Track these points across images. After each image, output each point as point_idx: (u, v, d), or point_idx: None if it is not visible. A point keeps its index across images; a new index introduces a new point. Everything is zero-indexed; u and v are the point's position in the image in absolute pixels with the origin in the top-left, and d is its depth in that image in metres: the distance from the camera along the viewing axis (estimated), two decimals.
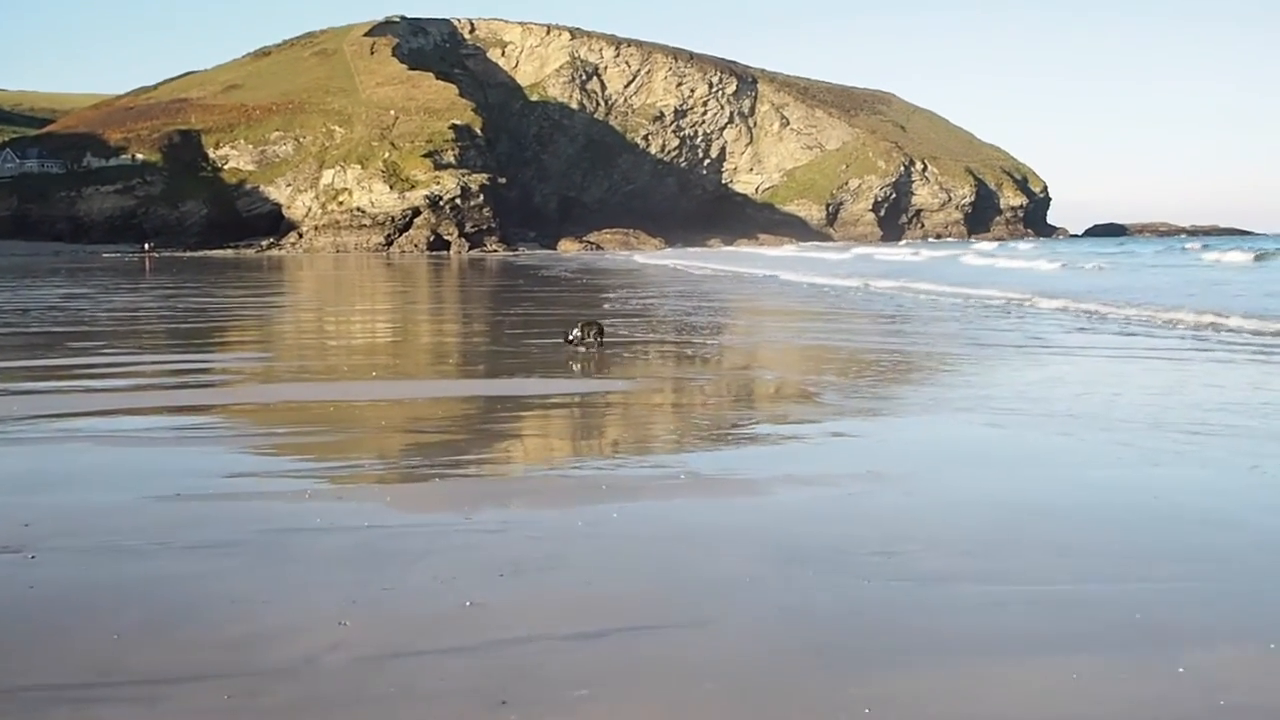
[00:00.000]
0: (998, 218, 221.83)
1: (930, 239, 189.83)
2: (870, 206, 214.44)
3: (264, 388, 14.51)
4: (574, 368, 16.63)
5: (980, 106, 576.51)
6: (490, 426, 11.83)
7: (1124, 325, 23.23)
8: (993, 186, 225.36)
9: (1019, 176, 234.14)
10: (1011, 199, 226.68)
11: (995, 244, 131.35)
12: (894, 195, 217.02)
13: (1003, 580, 6.18)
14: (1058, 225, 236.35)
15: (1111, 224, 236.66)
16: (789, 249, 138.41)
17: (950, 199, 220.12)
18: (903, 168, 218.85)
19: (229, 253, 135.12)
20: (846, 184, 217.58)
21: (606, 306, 31.73)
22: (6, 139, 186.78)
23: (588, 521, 7.51)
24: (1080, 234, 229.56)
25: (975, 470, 9.35)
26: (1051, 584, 6.11)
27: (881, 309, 30.44)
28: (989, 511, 7.87)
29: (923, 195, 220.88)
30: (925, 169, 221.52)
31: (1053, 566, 6.46)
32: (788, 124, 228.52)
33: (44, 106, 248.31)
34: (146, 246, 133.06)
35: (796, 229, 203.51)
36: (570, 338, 18.44)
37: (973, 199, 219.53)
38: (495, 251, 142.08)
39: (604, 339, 18.54)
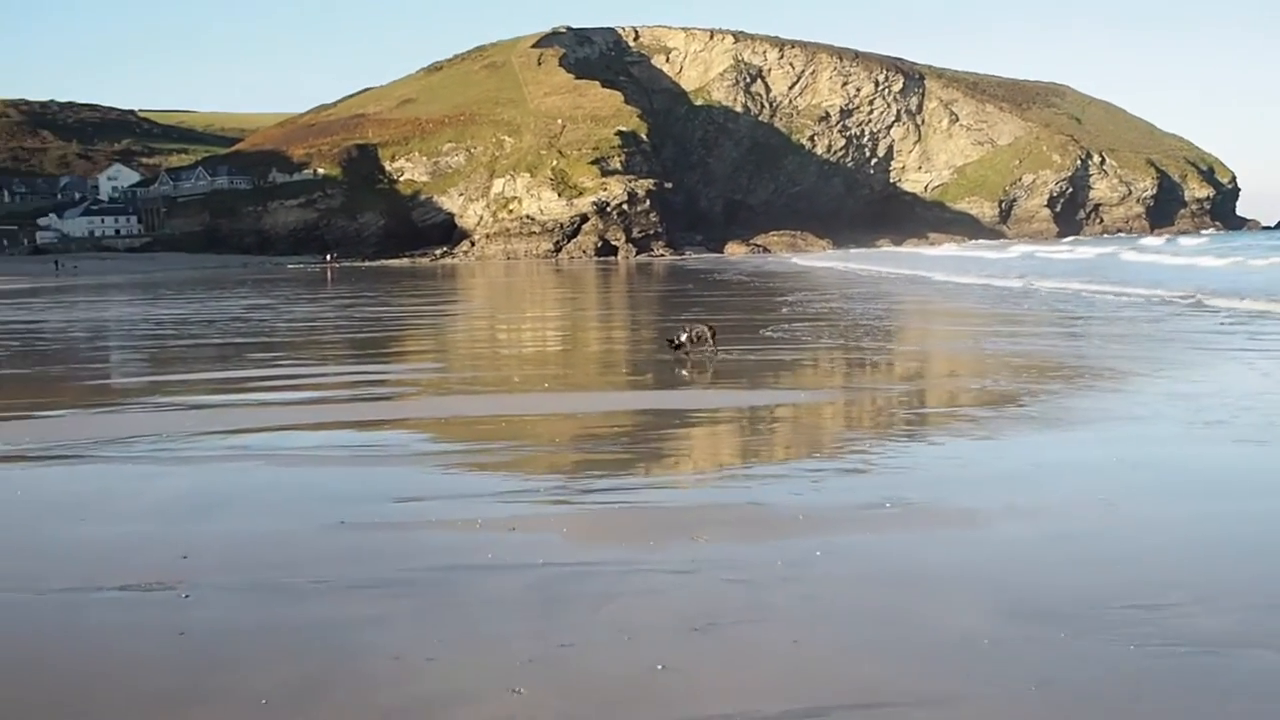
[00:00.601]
0: (1182, 210, 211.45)
1: (1109, 234, 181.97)
2: (1045, 202, 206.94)
3: (436, 401, 14.10)
4: (750, 379, 15.79)
5: (1161, 95, 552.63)
6: (668, 444, 11.03)
7: None
8: (1175, 178, 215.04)
9: (1204, 167, 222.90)
10: (1196, 190, 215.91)
11: (1163, 239, 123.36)
12: (1070, 190, 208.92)
13: None
14: (1249, 217, 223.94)
15: None
16: (950, 248, 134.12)
17: (1130, 192, 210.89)
18: (1079, 161, 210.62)
19: (405, 261, 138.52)
20: (1020, 180, 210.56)
21: (785, 310, 30.73)
22: (198, 158, 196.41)
23: (788, 561, 6.66)
24: (1275, 225, 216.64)
25: (1229, 502, 8.14)
26: None
27: (1059, 310, 28.55)
28: (1267, 555, 6.71)
29: (1101, 189, 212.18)
30: (1103, 162, 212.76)
31: None
32: (957, 120, 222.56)
33: (233, 126, 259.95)
34: (330, 257, 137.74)
35: (967, 227, 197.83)
36: (677, 341, 17.42)
37: (1154, 192, 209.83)
38: (662, 256, 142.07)
39: (716, 342, 17.61)
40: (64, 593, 6.26)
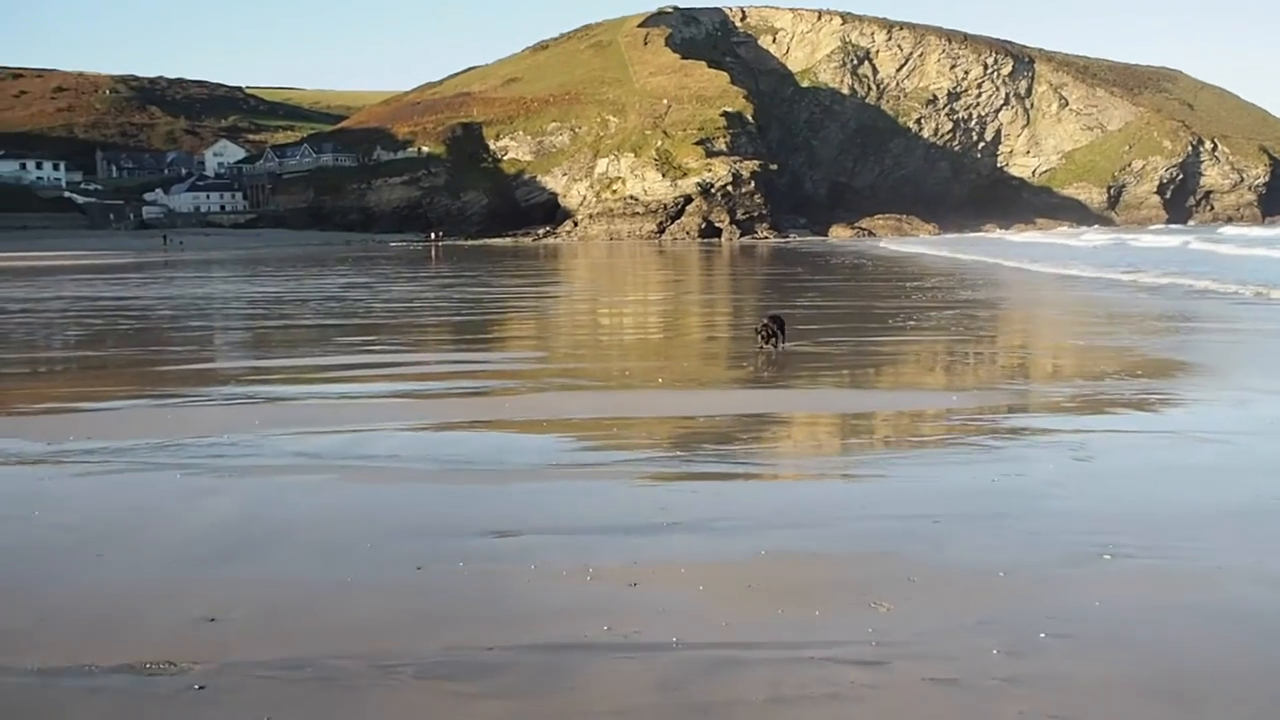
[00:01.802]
0: None
1: (1219, 221, 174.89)
2: (1155, 189, 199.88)
3: (535, 399, 12.41)
4: (890, 373, 13.93)
5: (1275, 81, 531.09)
6: (815, 463, 9.19)
7: None
8: None
9: None
10: None
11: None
12: (1180, 176, 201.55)
13: None
14: None
15: None
16: (1060, 233, 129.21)
17: (1242, 179, 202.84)
18: (1190, 147, 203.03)
19: (507, 241, 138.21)
20: (1129, 165, 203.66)
21: (914, 297, 28.63)
22: (304, 135, 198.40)
23: (1008, 648, 4.85)
24: None
25: None
26: None
27: (1159, 305, 25.98)
28: None
29: (1212, 176, 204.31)
30: (1215, 148, 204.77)
31: None
32: (1066, 104, 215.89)
33: (339, 104, 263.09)
34: (434, 235, 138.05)
35: (1075, 213, 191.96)
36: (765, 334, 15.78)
37: (1267, 179, 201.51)
38: (766, 238, 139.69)
39: (784, 335, 15.86)
40: (34, 676, 4.72)
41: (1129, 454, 9.11)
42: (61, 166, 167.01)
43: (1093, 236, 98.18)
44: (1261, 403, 11.57)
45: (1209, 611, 5.43)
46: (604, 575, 5.95)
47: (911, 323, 20.89)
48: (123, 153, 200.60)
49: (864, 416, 11.07)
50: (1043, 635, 5.07)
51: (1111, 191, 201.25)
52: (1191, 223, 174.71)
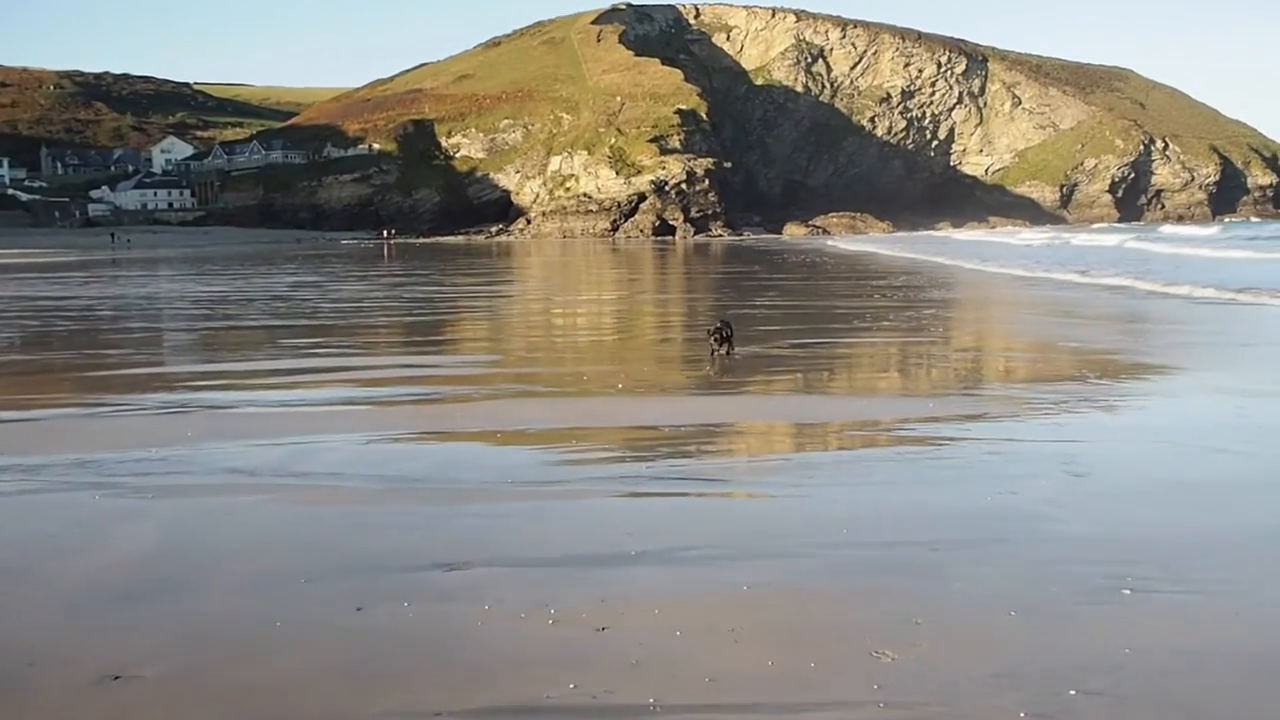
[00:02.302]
0: (1244, 198, 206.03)
1: (1170, 220, 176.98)
2: (1107, 187, 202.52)
3: (490, 407, 11.60)
4: (863, 378, 13.35)
5: (1225, 81, 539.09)
6: (791, 476, 8.36)
7: None
8: (1239, 165, 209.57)
9: (1268, 154, 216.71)
10: (1260, 178, 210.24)
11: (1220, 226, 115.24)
12: (1132, 175, 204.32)
13: None
14: None
15: None
16: (1002, 231, 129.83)
17: (1193, 179, 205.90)
18: (1142, 146, 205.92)
19: (460, 239, 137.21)
20: (1082, 164, 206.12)
21: (877, 296, 28.11)
22: (254, 132, 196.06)
23: (1037, 711, 4.25)
24: None
25: None
26: None
27: (1074, 300, 25.69)
28: None
29: (1163, 175, 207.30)
30: (1166, 147, 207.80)
31: None
32: (1019, 103, 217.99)
33: (289, 101, 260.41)
34: (387, 234, 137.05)
35: (1028, 211, 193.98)
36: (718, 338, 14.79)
37: (1217, 178, 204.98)
38: (720, 236, 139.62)
39: (732, 343, 14.69)
40: None
41: (1129, 468, 8.52)
42: (5, 163, 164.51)
43: (1030, 235, 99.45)
44: (1254, 406, 11.05)
45: (1260, 658, 4.82)
46: (568, 618, 5.27)
47: (880, 323, 20.33)
48: (68, 149, 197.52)
49: (840, 426, 10.42)
50: (1073, 693, 4.44)
51: (1064, 190, 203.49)
52: (1142, 221, 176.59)
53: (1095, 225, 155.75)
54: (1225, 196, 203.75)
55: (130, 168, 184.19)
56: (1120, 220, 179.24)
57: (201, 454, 8.95)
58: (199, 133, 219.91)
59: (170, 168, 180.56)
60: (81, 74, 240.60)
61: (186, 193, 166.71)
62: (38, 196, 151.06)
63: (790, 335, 18.33)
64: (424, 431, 10.20)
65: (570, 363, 16.17)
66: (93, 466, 8.50)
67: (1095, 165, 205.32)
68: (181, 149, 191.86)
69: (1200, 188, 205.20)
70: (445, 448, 9.53)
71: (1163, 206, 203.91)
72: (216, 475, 8.25)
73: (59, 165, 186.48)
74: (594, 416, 10.93)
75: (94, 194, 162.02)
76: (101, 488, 7.82)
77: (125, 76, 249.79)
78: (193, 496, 7.62)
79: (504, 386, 13.17)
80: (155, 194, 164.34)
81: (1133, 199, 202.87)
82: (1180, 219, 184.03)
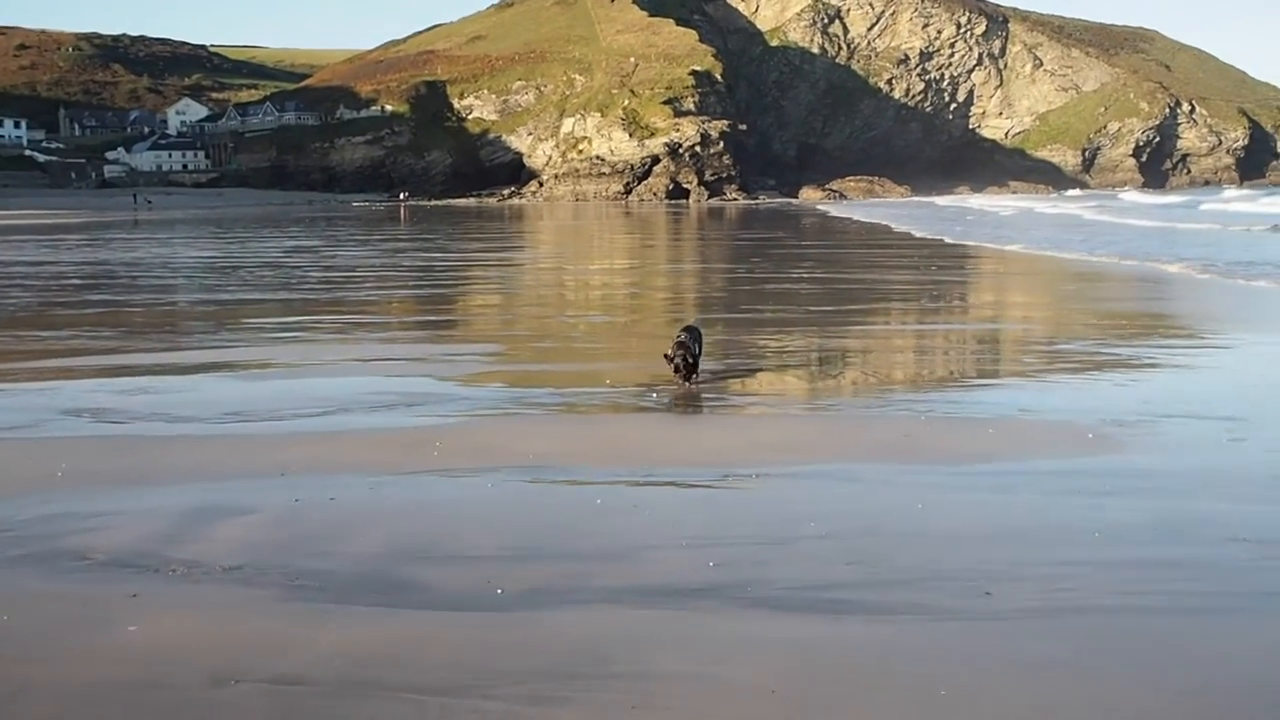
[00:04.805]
0: (1274, 162, 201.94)
1: (1196, 185, 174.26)
2: (1130, 151, 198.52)
3: (479, 435, 8.94)
4: (964, 368, 12.00)
5: (1255, 42, 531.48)
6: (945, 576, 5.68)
7: None
8: (1268, 129, 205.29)
9: None
10: None
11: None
12: (1157, 139, 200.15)
13: None
14: None
15: None
16: (1007, 199, 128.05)
17: (1220, 143, 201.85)
18: (1168, 109, 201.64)
19: (471, 201, 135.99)
20: (1104, 128, 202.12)
21: (933, 267, 26.67)
22: (268, 94, 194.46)
23: None
24: None
25: None
26: None
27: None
28: None
29: (1189, 139, 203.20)
30: (1193, 110, 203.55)
31: None
32: (1040, 65, 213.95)
33: (303, 63, 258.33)
34: (402, 196, 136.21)
35: (1048, 175, 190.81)
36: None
37: (1245, 142, 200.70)
38: (734, 200, 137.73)
39: (697, 366, 10.91)
40: None
41: None
42: (23, 124, 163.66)
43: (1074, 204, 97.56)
44: None
45: None
46: None
47: (949, 303, 18.88)
48: (86, 111, 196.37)
49: (959, 447, 8.88)
50: None
51: (1086, 154, 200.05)
52: (1168, 187, 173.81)
53: (1126, 189, 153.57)
54: (1254, 160, 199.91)
55: (146, 129, 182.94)
56: (1144, 185, 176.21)
57: (61, 515, 6.73)
58: (214, 94, 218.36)
59: (185, 129, 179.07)
60: (100, 36, 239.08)
61: (201, 154, 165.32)
62: (55, 158, 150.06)
63: (852, 319, 16.82)
64: (378, 482, 7.40)
65: (584, 357, 13.74)
66: None
67: (1119, 129, 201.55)
68: (196, 110, 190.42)
69: (1228, 152, 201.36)
70: (405, 518, 6.65)
71: (1188, 171, 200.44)
72: (62, 560, 5.93)
73: (76, 126, 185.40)
74: (622, 450, 8.45)
75: (110, 155, 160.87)
76: None
77: (142, 39, 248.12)
78: (13, 604, 5.36)
79: (500, 395, 10.82)
80: (170, 155, 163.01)
81: (1157, 163, 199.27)
82: (1206, 183, 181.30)
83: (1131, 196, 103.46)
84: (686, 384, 10.68)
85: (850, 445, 8.57)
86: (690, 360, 10.66)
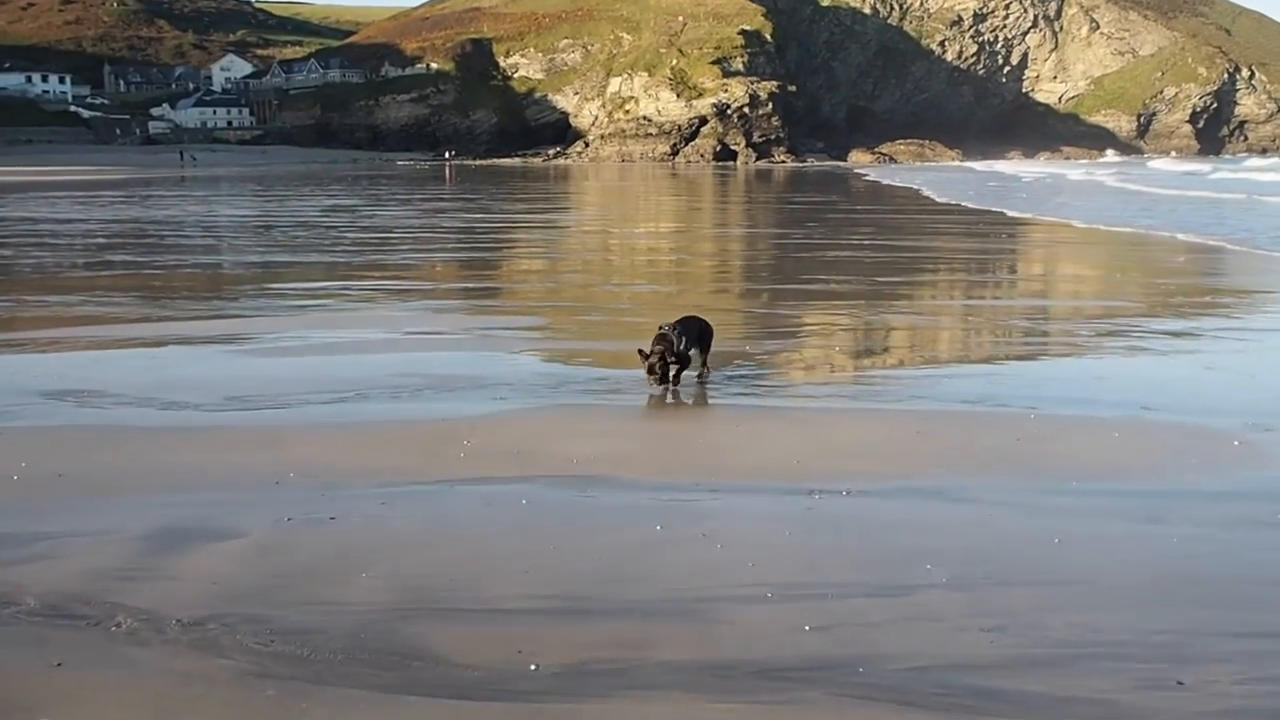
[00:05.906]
0: None
1: (1253, 153, 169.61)
2: (1187, 117, 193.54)
3: (518, 427, 7.70)
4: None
5: None
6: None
7: None
8: None
9: None
10: None
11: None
12: (1215, 105, 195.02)
13: None
14: None
15: None
16: (1042, 164, 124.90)
17: (1279, 109, 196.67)
18: (1226, 75, 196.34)
19: (516, 161, 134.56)
20: (1161, 93, 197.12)
21: (1006, 236, 25.10)
22: (312, 51, 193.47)
23: None
24: None
25: None
26: None
27: None
28: None
29: (1248, 105, 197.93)
30: (1252, 76, 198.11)
31: None
32: (1097, 28, 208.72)
33: (348, 19, 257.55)
34: (448, 155, 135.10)
35: (1103, 141, 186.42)
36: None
37: None
38: (783, 162, 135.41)
39: (684, 366, 9.01)
40: None
41: None
42: (68, 80, 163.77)
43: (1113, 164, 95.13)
44: None
45: None
46: None
47: (1015, 275, 17.48)
48: (130, 67, 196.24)
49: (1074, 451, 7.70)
50: None
51: (1141, 120, 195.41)
52: (1224, 154, 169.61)
53: (1181, 156, 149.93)
54: None
55: (191, 85, 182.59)
56: (1201, 152, 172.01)
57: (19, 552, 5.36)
58: (259, 51, 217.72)
59: (230, 86, 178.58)
60: None
61: (245, 111, 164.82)
62: (99, 114, 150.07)
63: (917, 291, 15.47)
64: (390, 495, 6.15)
65: (635, 332, 11.69)
66: None
67: (1175, 94, 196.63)
68: (241, 67, 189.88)
69: None
70: (414, 548, 5.39)
71: (1245, 138, 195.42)
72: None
73: (121, 83, 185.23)
74: (692, 457, 7.42)
75: (154, 111, 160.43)
76: None
77: None
78: None
79: (542, 377, 9.69)
80: (214, 112, 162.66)
81: (1214, 130, 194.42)
82: (1264, 151, 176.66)
83: (1156, 163, 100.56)
84: (663, 386, 8.70)
85: (953, 452, 7.17)
86: (671, 361, 8.68)
